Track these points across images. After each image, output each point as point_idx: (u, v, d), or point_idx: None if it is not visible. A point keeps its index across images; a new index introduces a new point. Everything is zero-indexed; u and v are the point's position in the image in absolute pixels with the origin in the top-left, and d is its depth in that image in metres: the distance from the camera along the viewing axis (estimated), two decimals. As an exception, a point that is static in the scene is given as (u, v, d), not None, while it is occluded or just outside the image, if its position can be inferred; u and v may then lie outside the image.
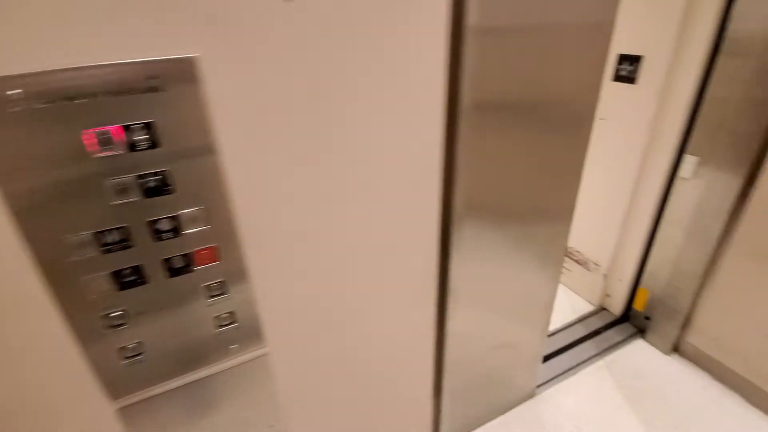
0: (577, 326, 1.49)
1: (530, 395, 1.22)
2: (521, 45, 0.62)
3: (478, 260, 0.81)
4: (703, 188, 1.14)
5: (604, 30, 0.69)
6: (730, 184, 1.08)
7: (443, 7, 0.53)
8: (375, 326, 0.74)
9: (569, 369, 1.31)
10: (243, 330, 0.60)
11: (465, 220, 0.73)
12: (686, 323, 1.29)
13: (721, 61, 1.04)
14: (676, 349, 1.36)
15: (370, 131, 0.56)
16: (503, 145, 0.71)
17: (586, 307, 1.58)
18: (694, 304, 1.25)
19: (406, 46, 0.53)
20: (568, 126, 0.76)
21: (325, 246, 0.61)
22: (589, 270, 1.55)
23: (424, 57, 0.55)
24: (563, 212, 0.89)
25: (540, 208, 0.84)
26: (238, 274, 0.56)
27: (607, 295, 1.53)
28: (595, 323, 1.49)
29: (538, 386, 1.25)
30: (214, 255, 0.53)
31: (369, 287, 0.69)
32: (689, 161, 1.16)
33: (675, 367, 1.32)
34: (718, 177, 1.10)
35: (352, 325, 0.71)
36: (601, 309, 1.56)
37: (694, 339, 1.29)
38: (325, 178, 0.56)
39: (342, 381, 0.76)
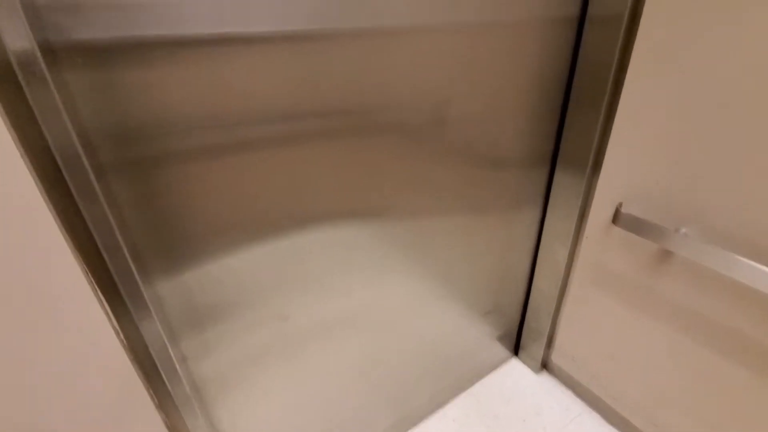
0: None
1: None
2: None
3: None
4: (554, 209, 1.12)
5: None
6: (573, 207, 1.06)
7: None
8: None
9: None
10: None
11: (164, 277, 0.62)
12: (549, 343, 1.28)
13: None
14: (545, 366, 1.35)
15: None
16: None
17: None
18: (553, 324, 1.24)
19: None
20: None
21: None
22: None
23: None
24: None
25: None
26: None
27: (487, 313, 1.50)
28: (475, 342, 1.47)
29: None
30: None
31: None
32: (538, 182, 1.14)
33: (543, 385, 1.32)
34: (563, 199, 1.08)
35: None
36: (483, 326, 1.53)
37: (556, 358, 1.28)
38: None
39: None
